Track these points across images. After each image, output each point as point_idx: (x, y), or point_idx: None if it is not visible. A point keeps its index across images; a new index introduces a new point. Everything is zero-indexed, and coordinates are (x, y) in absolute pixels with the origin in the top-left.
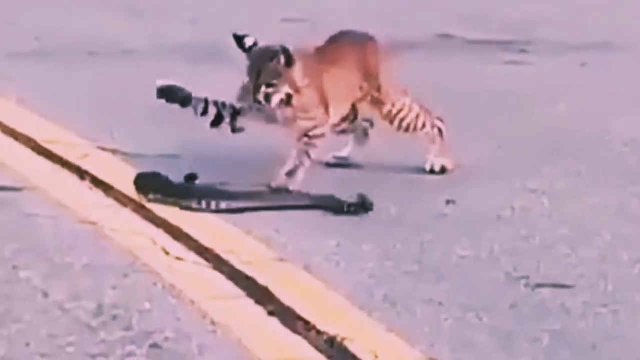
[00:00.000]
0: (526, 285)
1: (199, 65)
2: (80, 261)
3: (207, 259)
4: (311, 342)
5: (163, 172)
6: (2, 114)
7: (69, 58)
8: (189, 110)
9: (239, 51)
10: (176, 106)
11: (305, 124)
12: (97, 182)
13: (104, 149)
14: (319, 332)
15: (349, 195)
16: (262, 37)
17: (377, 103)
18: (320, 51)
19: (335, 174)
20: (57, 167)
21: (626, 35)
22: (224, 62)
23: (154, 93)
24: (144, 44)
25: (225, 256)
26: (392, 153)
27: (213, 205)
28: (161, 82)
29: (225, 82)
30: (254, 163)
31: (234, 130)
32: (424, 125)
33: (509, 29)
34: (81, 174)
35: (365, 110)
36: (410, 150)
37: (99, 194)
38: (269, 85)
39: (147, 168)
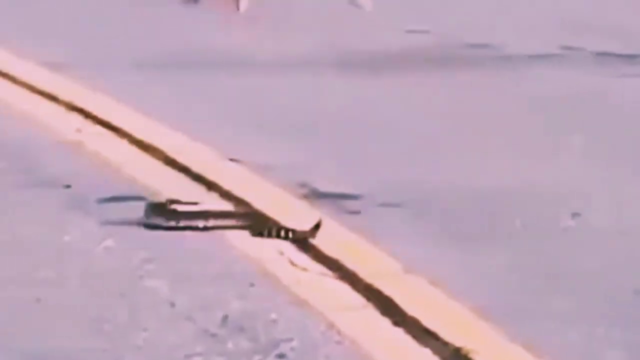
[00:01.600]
0: None
1: (322, 77)
2: (206, 271)
3: (333, 270)
4: (436, 353)
5: (288, 183)
6: (131, 125)
7: (198, 70)
8: (318, 121)
9: (366, 61)
10: (305, 118)
11: None
12: (225, 194)
13: (234, 160)
14: (444, 344)
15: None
16: (389, 47)
17: None
18: None
19: (456, 188)
20: (184, 178)
21: None
22: (347, 71)
23: (281, 105)
24: (268, 56)
25: (351, 267)
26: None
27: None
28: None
29: (349, 89)
30: None
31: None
32: None
33: (635, 42)
34: (209, 185)
35: None
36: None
37: (227, 205)
38: None
39: (276, 179)
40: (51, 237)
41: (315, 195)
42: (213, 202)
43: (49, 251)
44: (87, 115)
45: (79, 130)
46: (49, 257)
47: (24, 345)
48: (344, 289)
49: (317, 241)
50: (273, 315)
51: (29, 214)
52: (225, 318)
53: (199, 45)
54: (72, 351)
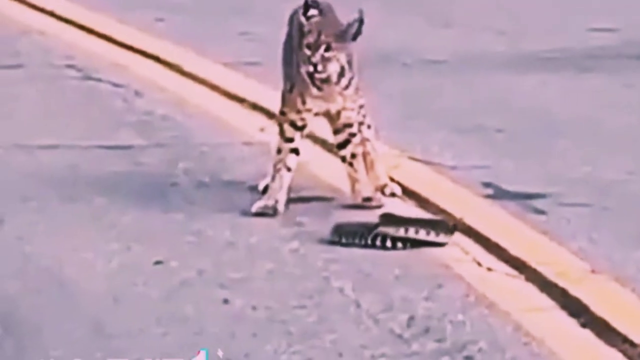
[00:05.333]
0: None
1: (504, 76)
2: (392, 272)
3: (519, 270)
4: (626, 355)
5: (472, 182)
6: (315, 125)
7: (381, 69)
8: (504, 120)
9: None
10: (491, 116)
11: (350, 115)
12: (409, 193)
13: (415, 160)
14: (633, 345)
15: None
16: (569, 45)
17: None
18: None
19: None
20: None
21: None
22: (529, 70)
23: (466, 104)
24: (454, 54)
25: (537, 267)
26: None
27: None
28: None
29: (533, 88)
30: None
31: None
32: None
33: None
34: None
35: None
36: None
37: (410, 205)
38: (328, 49)
39: (460, 179)
40: (237, 238)
41: (500, 195)
42: (395, 204)
43: (235, 252)
44: (270, 114)
45: (262, 130)
46: (236, 259)
47: (209, 345)
48: (530, 289)
49: (502, 241)
50: (460, 317)
51: (215, 215)
52: (411, 319)
53: (384, 43)
54: (258, 353)
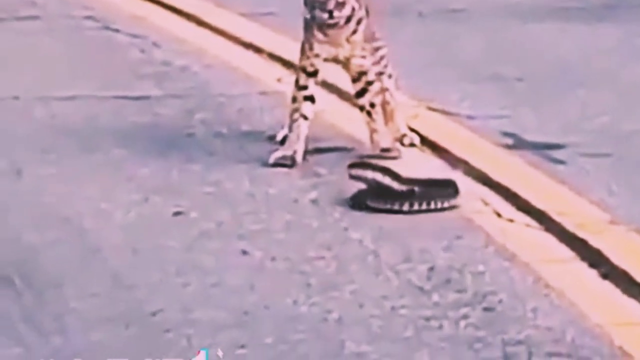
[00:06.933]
0: None
1: (525, 25)
2: (411, 223)
3: (539, 221)
4: None
5: (492, 132)
6: (330, 72)
7: (398, 18)
8: (524, 69)
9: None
10: (510, 65)
11: (362, 63)
12: (427, 143)
13: (433, 110)
14: None
15: None
16: None
17: None
18: None
19: None
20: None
21: None
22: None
23: (484, 53)
24: (473, 3)
25: (557, 218)
26: None
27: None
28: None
29: (554, 37)
30: None
31: None
32: None
33: None
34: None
35: None
36: None
37: (427, 154)
38: None
39: (478, 129)
40: (256, 189)
41: (520, 145)
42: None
43: (254, 203)
44: (288, 64)
45: (279, 80)
46: (254, 210)
47: (229, 298)
48: (551, 240)
49: (522, 191)
50: (480, 267)
51: (233, 166)
52: (431, 270)
53: None
54: (277, 304)
